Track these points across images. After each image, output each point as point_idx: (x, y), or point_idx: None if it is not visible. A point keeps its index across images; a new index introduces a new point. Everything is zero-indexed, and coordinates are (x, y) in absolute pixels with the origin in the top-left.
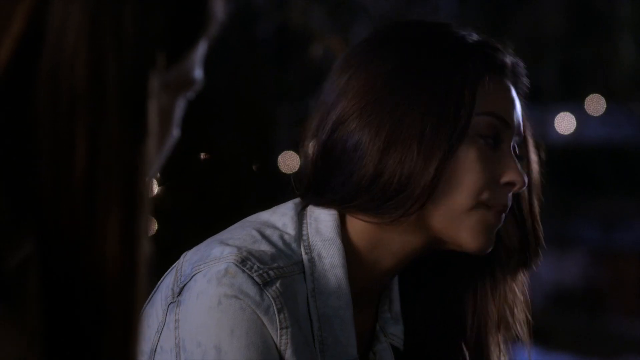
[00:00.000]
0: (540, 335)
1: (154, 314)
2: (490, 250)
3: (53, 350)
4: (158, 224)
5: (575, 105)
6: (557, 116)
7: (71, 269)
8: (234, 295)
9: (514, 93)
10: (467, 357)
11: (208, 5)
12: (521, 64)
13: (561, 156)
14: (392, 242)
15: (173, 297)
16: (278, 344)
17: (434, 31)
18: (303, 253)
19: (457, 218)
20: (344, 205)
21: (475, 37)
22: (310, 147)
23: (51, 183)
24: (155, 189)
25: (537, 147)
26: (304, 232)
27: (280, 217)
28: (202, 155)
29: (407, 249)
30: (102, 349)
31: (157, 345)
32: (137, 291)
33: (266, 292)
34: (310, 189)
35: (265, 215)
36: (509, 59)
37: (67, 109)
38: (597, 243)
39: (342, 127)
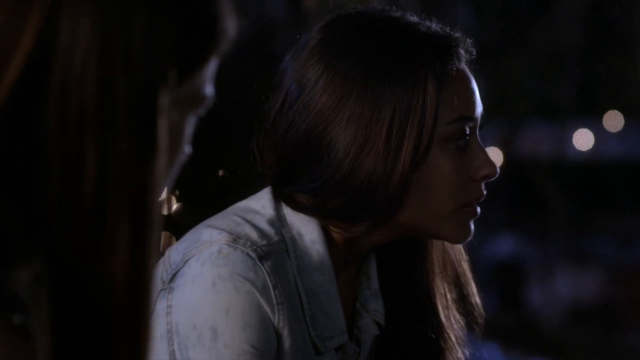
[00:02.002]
0: (557, 350)
1: None
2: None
3: None
4: (177, 240)
5: (593, 122)
6: (575, 133)
7: (80, 284)
8: (228, 276)
9: (471, 77)
10: (443, 332)
11: (219, 22)
12: (463, 37)
13: (579, 172)
14: (369, 235)
15: (163, 285)
16: (275, 321)
17: (395, 35)
18: (284, 231)
19: (439, 221)
20: (318, 212)
21: (431, 37)
22: (277, 135)
23: (60, 199)
24: (174, 205)
25: None
26: (282, 213)
27: (258, 201)
28: (220, 172)
29: (383, 241)
30: None
31: None
32: (146, 307)
33: (261, 267)
34: (282, 181)
35: (242, 203)
36: (459, 43)
37: (77, 125)
38: (614, 259)
39: (319, 125)
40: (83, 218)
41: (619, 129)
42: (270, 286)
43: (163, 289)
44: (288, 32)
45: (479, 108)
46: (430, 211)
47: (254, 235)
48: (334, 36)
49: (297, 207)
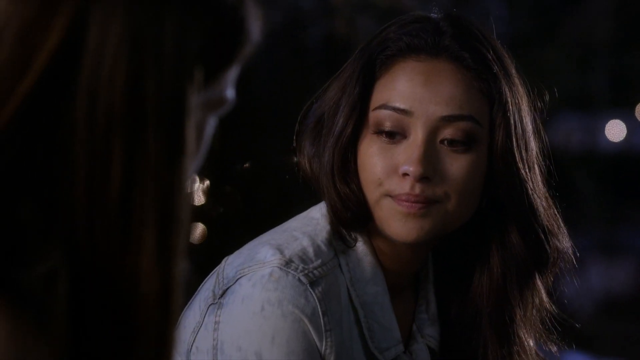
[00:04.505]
0: (590, 342)
1: (192, 315)
2: (415, 238)
3: None
4: (207, 230)
5: (625, 113)
6: (608, 124)
7: (103, 283)
8: (277, 302)
9: (427, 73)
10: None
11: (244, 26)
12: (459, 34)
13: (611, 164)
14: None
15: (214, 299)
16: (322, 349)
17: (380, 29)
18: (337, 245)
19: (373, 209)
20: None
21: (393, 24)
22: None
23: (86, 197)
24: (201, 195)
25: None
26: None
27: (319, 210)
28: (246, 165)
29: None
30: None
31: (192, 346)
32: (171, 310)
33: (312, 293)
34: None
35: (303, 213)
36: (425, 34)
37: (105, 125)
38: None
39: None
40: (109, 218)
41: None
42: (320, 313)
43: (213, 303)
44: (317, 24)
45: (428, 106)
46: (367, 200)
47: (309, 252)
48: None
49: (330, 220)
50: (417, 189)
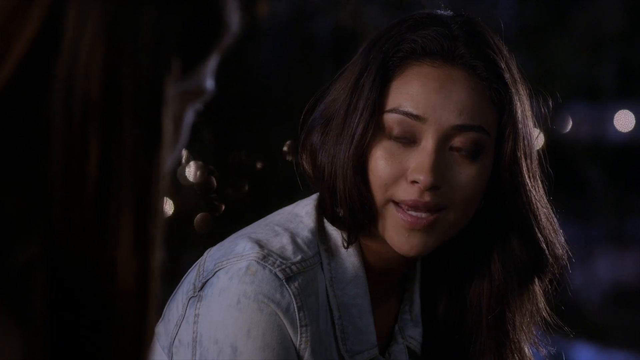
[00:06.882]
0: (598, 333)
1: (175, 307)
2: (418, 253)
3: (56, 352)
4: (214, 221)
5: (634, 103)
6: (616, 114)
7: (80, 274)
8: (253, 295)
9: (440, 79)
10: None
11: (223, 16)
12: (472, 40)
13: (620, 154)
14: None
15: (194, 292)
16: (297, 344)
17: (390, 25)
18: (321, 243)
19: (376, 216)
20: (333, 222)
21: (405, 22)
22: None
23: (63, 188)
24: (209, 184)
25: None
26: (323, 222)
27: (304, 206)
28: (251, 154)
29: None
30: (109, 357)
31: (175, 339)
32: (149, 300)
33: (287, 288)
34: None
35: (288, 208)
36: (441, 38)
37: (81, 115)
38: None
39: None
40: (85, 208)
41: None
42: (295, 308)
43: (194, 296)
44: (324, 15)
45: (442, 113)
46: (372, 203)
47: (288, 249)
48: None
49: (328, 218)
50: (426, 197)
